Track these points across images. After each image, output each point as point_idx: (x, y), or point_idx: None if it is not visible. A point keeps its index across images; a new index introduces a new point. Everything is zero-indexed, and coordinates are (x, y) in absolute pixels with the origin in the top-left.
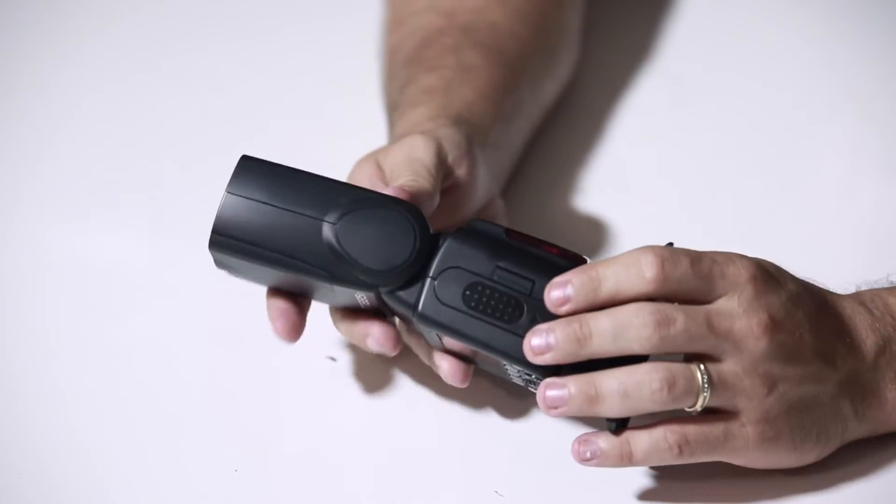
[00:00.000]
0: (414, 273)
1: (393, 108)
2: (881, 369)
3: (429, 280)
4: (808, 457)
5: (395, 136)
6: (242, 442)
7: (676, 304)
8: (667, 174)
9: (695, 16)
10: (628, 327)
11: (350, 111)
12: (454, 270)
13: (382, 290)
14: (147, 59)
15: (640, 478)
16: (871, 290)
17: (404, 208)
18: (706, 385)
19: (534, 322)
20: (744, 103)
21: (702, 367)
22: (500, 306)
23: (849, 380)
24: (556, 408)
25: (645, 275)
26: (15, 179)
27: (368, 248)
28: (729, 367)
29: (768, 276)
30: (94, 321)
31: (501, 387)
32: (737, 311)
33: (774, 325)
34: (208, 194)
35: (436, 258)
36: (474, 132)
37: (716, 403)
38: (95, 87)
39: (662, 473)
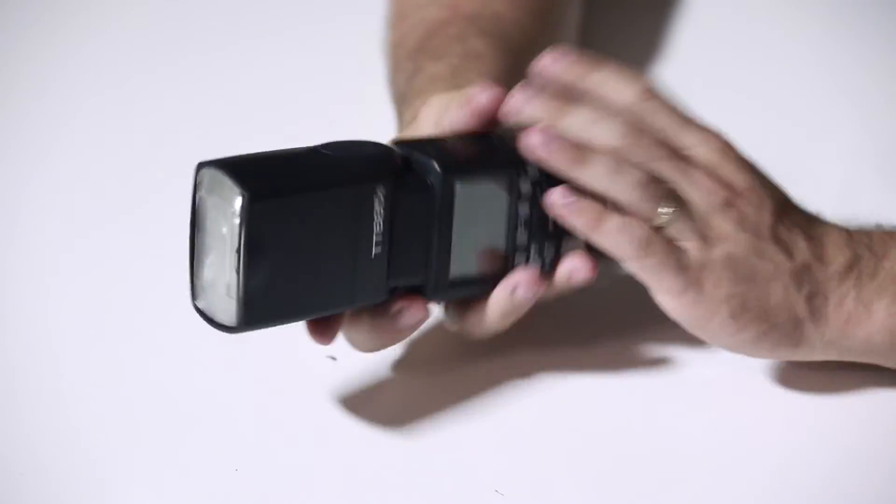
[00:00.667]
0: (402, 167)
1: (401, 100)
2: (846, 282)
3: (422, 158)
4: (747, 335)
5: (405, 125)
6: (242, 442)
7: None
8: None
9: (693, 23)
10: (603, 118)
11: (351, 112)
12: (436, 153)
13: (387, 184)
14: (147, 60)
15: (640, 480)
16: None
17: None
18: (673, 200)
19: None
20: (743, 109)
21: (670, 185)
22: (485, 150)
23: (804, 275)
24: (540, 145)
25: (627, 89)
26: (15, 180)
27: (358, 152)
28: (689, 199)
29: (740, 154)
30: (94, 320)
31: (502, 386)
32: (701, 161)
33: (734, 193)
34: None
35: (413, 154)
36: None
37: (675, 229)
38: (97, 90)
39: (663, 479)
